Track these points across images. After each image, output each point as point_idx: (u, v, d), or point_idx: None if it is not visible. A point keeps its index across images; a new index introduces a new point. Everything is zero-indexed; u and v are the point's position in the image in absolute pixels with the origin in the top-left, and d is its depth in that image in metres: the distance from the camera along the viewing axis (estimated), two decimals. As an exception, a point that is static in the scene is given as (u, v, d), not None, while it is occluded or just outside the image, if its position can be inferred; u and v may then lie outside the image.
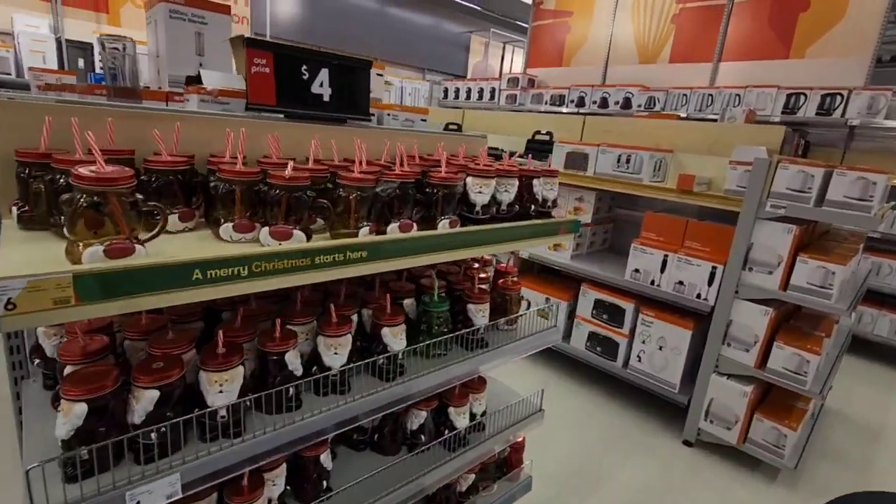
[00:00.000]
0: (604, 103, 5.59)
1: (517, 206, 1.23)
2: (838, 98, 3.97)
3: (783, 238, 2.13)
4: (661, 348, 2.59)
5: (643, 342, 2.66)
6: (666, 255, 2.53)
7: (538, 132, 3.58)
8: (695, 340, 2.50)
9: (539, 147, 3.49)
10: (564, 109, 5.98)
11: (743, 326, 2.28)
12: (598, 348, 2.88)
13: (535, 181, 1.26)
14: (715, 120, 4.14)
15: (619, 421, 2.72)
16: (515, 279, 1.45)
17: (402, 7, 11.14)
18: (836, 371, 2.47)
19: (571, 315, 3.04)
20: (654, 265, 2.58)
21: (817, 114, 4.07)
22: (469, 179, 1.13)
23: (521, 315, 1.42)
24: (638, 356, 2.70)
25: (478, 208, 1.13)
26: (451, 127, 4.42)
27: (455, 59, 12.38)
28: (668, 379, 2.58)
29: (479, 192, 1.12)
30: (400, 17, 11.14)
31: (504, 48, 12.64)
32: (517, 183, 1.21)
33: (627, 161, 2.78)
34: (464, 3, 11.41)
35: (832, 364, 2.42)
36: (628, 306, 2.72)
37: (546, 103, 6.22)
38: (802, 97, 4.15)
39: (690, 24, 5.25)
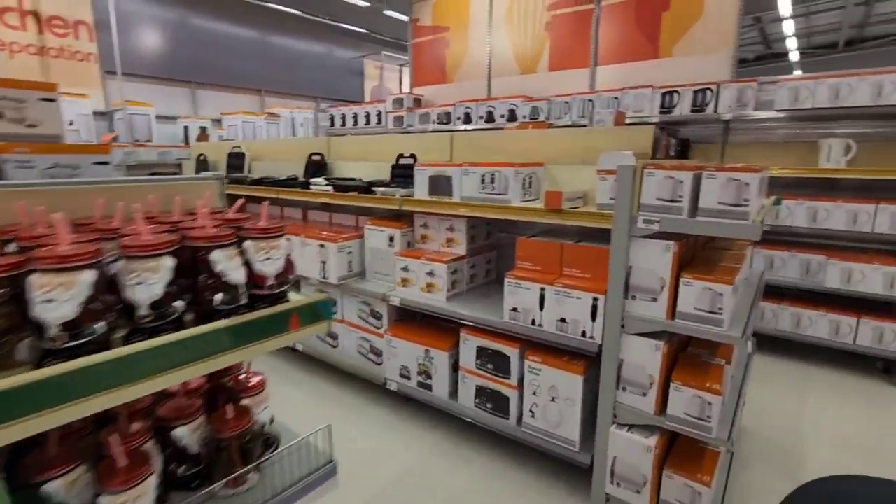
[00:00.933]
0: (490, 117, 5.32)
1: (175, 304, 0.69)
2: (709, 93, 3.90)
3: (662, 258, 1.78)
4: (553, 399, 2.16)
5: (534, 393, 2.22)
6: (543, 289, 2.12)
7: (401, 156, 3.13)
8: (589, 387, 2.10)
9: (404, 172, 3.04)
10: (460, 126, 5.66)
11: (636, 367, 1.89)
12: (489, 404, 2.41)
13: (214, 253, 0.73)
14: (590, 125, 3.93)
15: (521, 489, 2.25)
16: (246, 405, 0.90)
17: (285, 35, 10.52)
18: (744, 394, 2.16)
19: (457, 367, 2.55)
20: (531, 301, 2.16)
21: (692, 110, 3.99)
22: (33, 279, 0.58)
23: (232, 477, 0.86)
24: (531, 411, 2.25)
25: (53, 332, 0.58)
26: (314, 157, 3.88)
27: (350, 86, 11.90)
28: (566, 435, 2.15)
29: (49, 302, 0.57)
30: (284, 47, 10.50)
31: (401, 70, 12.39)
32: (171, 264, 0.68)
33: (492, 180, 2.38)
34: (349, 27, 11.03)
35: (739, 389, 2.10)
36: (512, 352, 2.28)
37: (433, 122, 5.88)
38: (676, 95, 4.06)
39: (563, 30, 5.14)
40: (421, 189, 2.68)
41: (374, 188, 2.95)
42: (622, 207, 1.82)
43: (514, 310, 2.23)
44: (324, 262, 3.00)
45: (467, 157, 3.03)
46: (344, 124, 6.99)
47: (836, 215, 3.43)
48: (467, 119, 5.53)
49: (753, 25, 14.95)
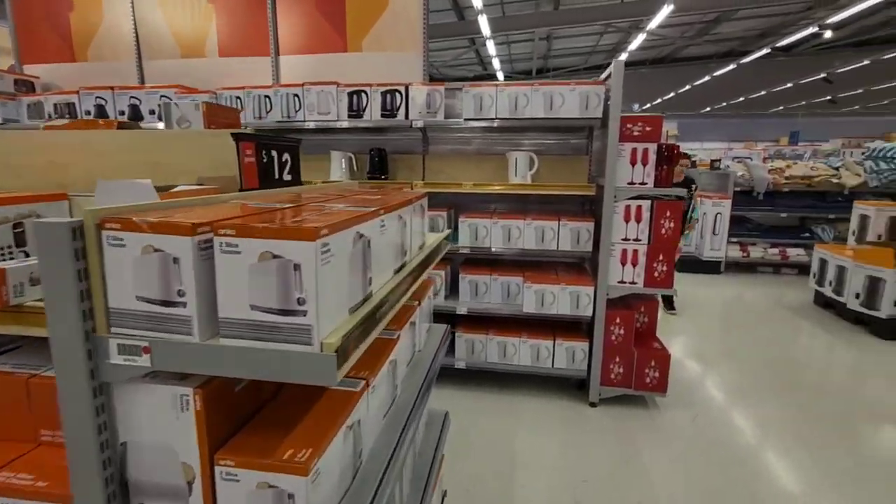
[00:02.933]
0: (136, 113, 3.76)
1: None
2: (398, 96, 3.30)
3: (177, 423, 0.80)
4: None
5: None
6: (-36, 498, 0.92)
7: None
8: None
9: None
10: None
11: None
12: None
13: None
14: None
15: None
16: None
17: None
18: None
19: None
20: (-51, 526, 0.94)
21: (383, 115, 3.34)
22: None
23: None
24: None
25: None
26: None
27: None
28: None
29: None
30: None
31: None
32: None
33: None
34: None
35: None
36: None
37: (49, 116, 3.95)
38: (364, 96, 3.35)
39: (234, 5, 3.95)
40: None
41: None
42: (64, 324, 0.77)
43: (-80, 545, 0.96)
44: None
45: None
46: None
47: (527, 234, 3.22)
48: (101, 113, 3.83)
49: (470, 47, 16.66)
